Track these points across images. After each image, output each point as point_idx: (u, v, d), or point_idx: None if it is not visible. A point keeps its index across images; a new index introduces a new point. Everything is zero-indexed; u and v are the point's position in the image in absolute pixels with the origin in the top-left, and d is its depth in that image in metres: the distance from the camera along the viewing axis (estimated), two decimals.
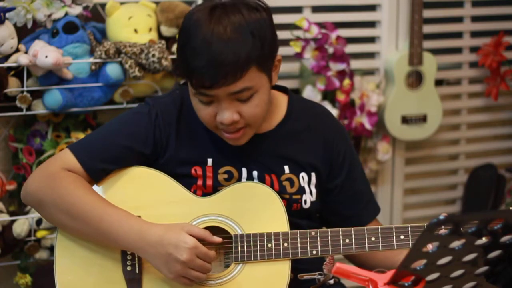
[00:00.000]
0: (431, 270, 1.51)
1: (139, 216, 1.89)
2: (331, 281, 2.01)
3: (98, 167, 1.94)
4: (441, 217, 1.42)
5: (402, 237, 1.89)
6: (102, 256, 1.91)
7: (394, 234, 1.90)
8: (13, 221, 2.49)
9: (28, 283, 2.54)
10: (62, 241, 1.92)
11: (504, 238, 1.53)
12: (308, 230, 1.91)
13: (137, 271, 1.89)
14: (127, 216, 1.87)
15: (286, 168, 2.00)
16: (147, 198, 1.94)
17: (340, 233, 1.91)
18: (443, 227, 1.44)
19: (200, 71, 1.80)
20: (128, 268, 1.90)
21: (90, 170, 1.93)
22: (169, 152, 1.97)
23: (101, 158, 1.94)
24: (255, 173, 1.98)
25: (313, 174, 2.03)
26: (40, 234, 2.50)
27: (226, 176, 1.98)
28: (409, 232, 1.89)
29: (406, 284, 1.55)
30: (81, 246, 1.91)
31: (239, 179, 1.98)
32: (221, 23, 1.80)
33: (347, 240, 1.91)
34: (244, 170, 1.98)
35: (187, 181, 1.96)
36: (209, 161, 1.98)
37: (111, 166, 1.95)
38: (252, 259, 1.89)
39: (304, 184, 2.01)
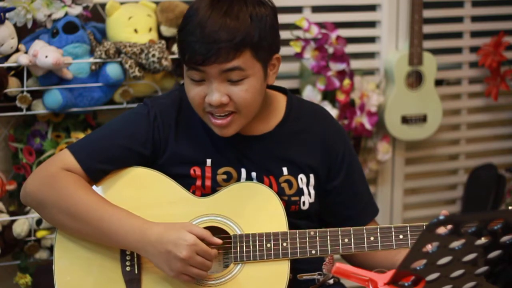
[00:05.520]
0: (431, 270, 1.51)
1: None
2: (331, 281, 2.01)
3: (97, 167, 1.94)
4: (441, 217, 1.42)
5: (401, 236, 1.89)
6: (101, 256, 1.91)
7: (393, 233, 1.90)
8: (13, 221, 2.49)
9: (28, 283, 2.54)
10: (61, 242, 1.93)
11: (504, 238, 1.53)
12: (307, 230, 1.91)
13: (136, 272, 1.89)
14: (127, 216, 1.87)
15: (285, 170, 2.00)
16: (146, 198, 1.94)
17: (339, 232, 1.91)
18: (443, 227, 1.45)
19: (193, 46, 1.82)
20: (128, 268, 1.90)
21: (89, 170, 1.93)
22: (168, 153, 1.97)
23: (100, 158, 1.94)
24: (253, 174, 1.98)
25: (311, 176, 2.02)
26: (40, 234, 2.50)
27: (225, 176, 1.98)
28: (408, 231, 1.89)
29: (406, 284, 1.55)
30: (80, 247, 1.92)
31: (238, 180, 1.98)
32: (221, 7, 1.83)
33: (346, 240, 1.90)
34: (243, 171, 1.98)
35: (186, 182, 1.96)
36: (208, 161, 1.98)
37: (109, 166, 1.95)
38: (251, 259, 1.89)
39: (303, 185, 2.01)
